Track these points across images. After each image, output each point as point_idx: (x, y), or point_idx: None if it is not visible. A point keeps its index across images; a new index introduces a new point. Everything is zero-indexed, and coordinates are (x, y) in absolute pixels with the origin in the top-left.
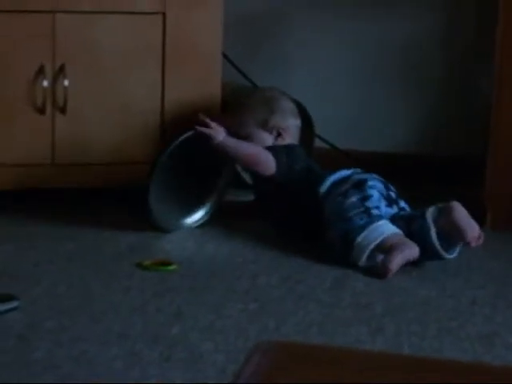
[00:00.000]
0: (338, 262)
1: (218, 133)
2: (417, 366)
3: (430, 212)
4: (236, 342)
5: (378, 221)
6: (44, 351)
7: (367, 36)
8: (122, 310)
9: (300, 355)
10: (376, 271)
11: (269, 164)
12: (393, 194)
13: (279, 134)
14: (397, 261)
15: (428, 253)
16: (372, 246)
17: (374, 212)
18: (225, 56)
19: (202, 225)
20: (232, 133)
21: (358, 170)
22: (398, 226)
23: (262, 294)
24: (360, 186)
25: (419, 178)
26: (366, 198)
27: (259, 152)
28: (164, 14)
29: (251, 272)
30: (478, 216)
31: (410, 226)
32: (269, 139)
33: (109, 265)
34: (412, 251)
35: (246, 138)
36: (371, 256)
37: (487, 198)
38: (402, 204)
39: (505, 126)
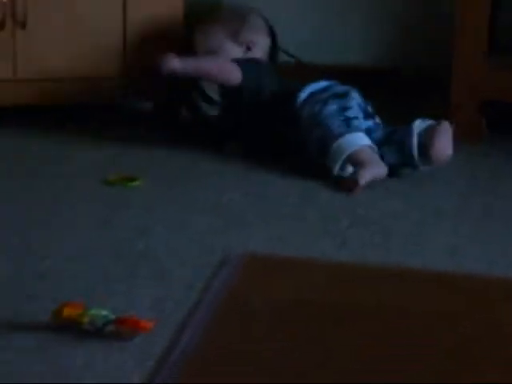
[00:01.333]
0: (314, 169)
1: (170, 61)
2: (386, 274)
3: (417, 123)
4: (201, 257)
5: (355, 131)
6: (8, 269)
7: None
8: (86, 226)
9: (269, 266)
10: (345, 185)
11: (233, 74)
12: (369, 109)
13: (249, 48)
14: (366, 177)
15: (404, 161)
16: (345, 155)
17: (353, 123)
18: None
19: None
20: (201, 46)
21: (337, 82)
22: (377, 136)
23: (226, 209)
24: (341, 96)
25: (384, 91)
26: (347, 108)
27: (220, 63)
28: None
29: (215, 187)
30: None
31: (392, 135)
32: (238, 52)
33: (73, 181)
34: (381, 170)
35: (215, 49)
36: (343, 166)
37: (452, 111)
38: (377, 120)
39: (466, 39)
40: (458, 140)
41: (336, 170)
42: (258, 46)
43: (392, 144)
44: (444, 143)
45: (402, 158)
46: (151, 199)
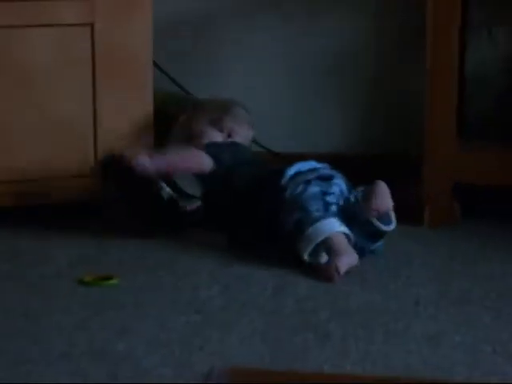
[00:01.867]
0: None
1: (141, 162)
2: None
3: (359, 191)
4: (181, 355)
5: (332, 217)
6: None
7: (301, 40)
8: (64, 328)
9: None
10: (325, 273)
11: (203, 161)
12: (352, 198)
13: (229, 136)
14: (344, 265)
15: (368, 232)
16: (319, 240)
17: (332, 208)
18: (155, 64)
19: None
20: (183, 130)
21: (326, 165)
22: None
23: (203, 305)
24: (325, 179)
25: (357, 178)
26: (328, 193)
27: (189, 154)
28: (92, 25)
29: (192, 283)
30: (416, 214)
31: (346, 212)
32: (218, 138)
33: (48, 283)
34: (354, 259)
35: (197, 134)
36: (315, 251)
37: (424, 197)
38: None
39: (439, 124)
40: (431, 225)
41: (307, 254)
42: (240, 135)
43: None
44: (382, 194)
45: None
46: (128, 298)
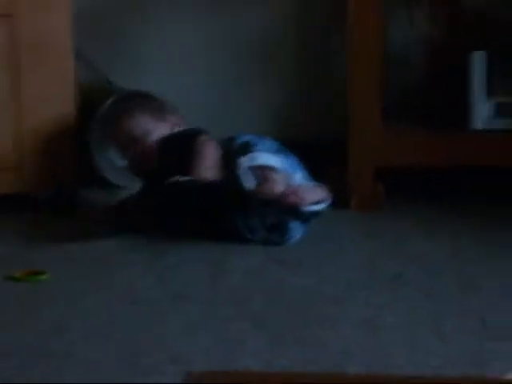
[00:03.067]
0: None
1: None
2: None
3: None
4: (121, 350)
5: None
6: None
7: (224, 26)
8: None
9: None
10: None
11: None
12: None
13: (177, 126)
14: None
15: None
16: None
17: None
18: (78, 54)
19: None
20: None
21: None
22: None
23: (139, 296)
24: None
25: None
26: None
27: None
28: (11, 16)
29: (125, 275)
30: (343, 199)
31: None
32: (167, 131)
33: None
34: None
35: (145, 132)
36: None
37: (350, 181)
38: None
39: (361, 108)
40: (357, 208)
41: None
42: (182, 124)
43: None
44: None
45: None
46: (61, 293)
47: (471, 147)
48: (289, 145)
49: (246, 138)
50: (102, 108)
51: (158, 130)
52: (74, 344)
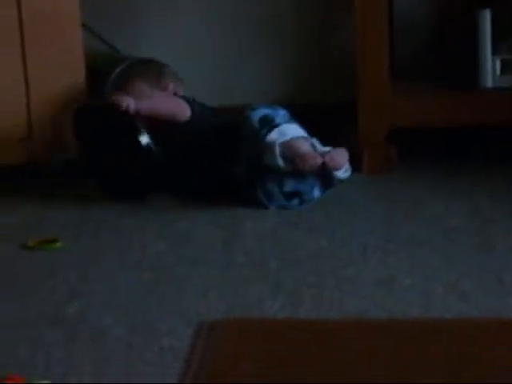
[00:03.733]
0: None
1: (130, 101)
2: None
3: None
4: (136, 314)
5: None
6: None
7: None
8: (13, 294)
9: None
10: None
11: (184, 110)
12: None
13: (175, 94)
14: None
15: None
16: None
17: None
18: (84, 25)
19: None
20: None
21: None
22: None
23: (153, 262)
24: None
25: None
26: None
27: (172, 100)
28: None
29: (139, 241)
30: (356, 162)
31: None
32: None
33: None
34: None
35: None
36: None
37: (361, 144)
38: None
39: (371, 68)
40: (369, 172)
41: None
42: (182, 90)
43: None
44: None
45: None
46: (75, 261)
47: (481, 106)
48: (297, 110)
49: (261, 111)
50: (110, 77)
51: (154, 96)
52: (87, 310)
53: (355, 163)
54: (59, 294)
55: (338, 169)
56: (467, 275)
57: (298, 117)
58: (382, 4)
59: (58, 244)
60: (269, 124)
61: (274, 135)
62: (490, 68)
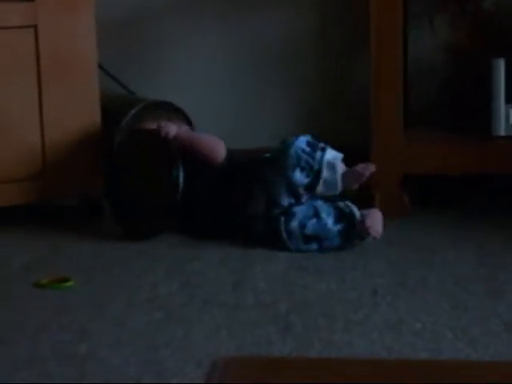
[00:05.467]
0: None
1: (171, 128)
2: (386, 368)
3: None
4: (146, 354)
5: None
6: None
7: (242, 37)
8: (25, 331)
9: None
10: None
11: (221, 151)
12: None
13: None
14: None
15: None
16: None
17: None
18: (99, 66)
19: None
20: None
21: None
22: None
23: (164, 302)
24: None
25: None
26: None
27: (212, 139)
28: (36, 27)
29: (150, 281)
30: (368, 206)
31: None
32: None
33: (4, 287)
34: None
35: None
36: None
37: (374, 187)
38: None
39: (385, 115)
40: (383, 215)
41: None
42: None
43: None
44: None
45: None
46: (86, 299)
47: (494, 154)
48: None
49: (303, 138)
50: (124, 118)
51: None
52: (97, 349)
53: (368, 207)
54: (70, 332)
55: (374, 236)
56: (476, 321)
57: None
58: (396, 51)
59: (70, 283)
60: (317, 146)
61: (328, 154)
62: (504, 117)
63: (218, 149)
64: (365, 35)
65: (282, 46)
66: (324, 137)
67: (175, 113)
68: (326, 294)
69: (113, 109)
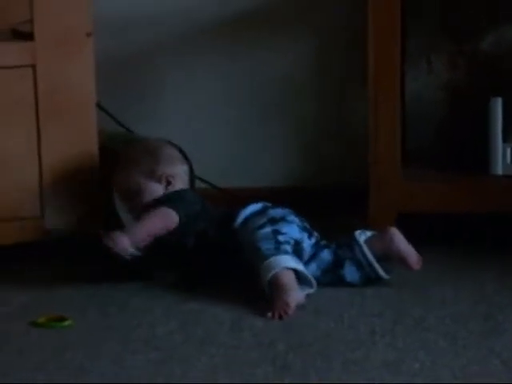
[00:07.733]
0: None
1: (120, 243)
2: None
3: (358, 234)
4: None
5: (284, 254)
6: None
7: (242, 74)
8: (23, 370)
9: None
10: (274, 309)
11: (171, 218)
12: (307, 225)
13: (169, 183)
14: (292, 300)
15: (366, 274)
16: (269, 276)
17: (284, 247)
18: (98, 105)
19: None
20: (121, 189)
21: (269, 204)
22: (325, 257)
23: (162, 342)
24: (277, 220)
25: (304, 210)
26: (281, 232)
27: (159, 215)
28: (34, 67)
29: (147, 321)
30: None
31: (341, 254)
32: (159, 189)
33: (1, 326)
34: (300, 295)
35: (136, 190)
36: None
37: (370, 226)
38: (316, 234)
39: (383, 155)
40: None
41: (266, 291)
42: (177, 178)
43: (347, 264)
44: (406, 247)
45: (364, 274)
46: (84, 339)
47: (491, 193)
48: (306, 191)
49: (277, 211)
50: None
51: (149, 187)
52: None
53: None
54: (67, 371)
55: (413, 269)
56: (475, 360)
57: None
58: (394, 90)
59: (67, 322)
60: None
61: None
62: (501, 156)
63: (166, 224)
64: (364, 74)
65: (283, 85)
66: (322, 173)
67: (159, 156)
68: (324, 333)
69: (109, 146)
